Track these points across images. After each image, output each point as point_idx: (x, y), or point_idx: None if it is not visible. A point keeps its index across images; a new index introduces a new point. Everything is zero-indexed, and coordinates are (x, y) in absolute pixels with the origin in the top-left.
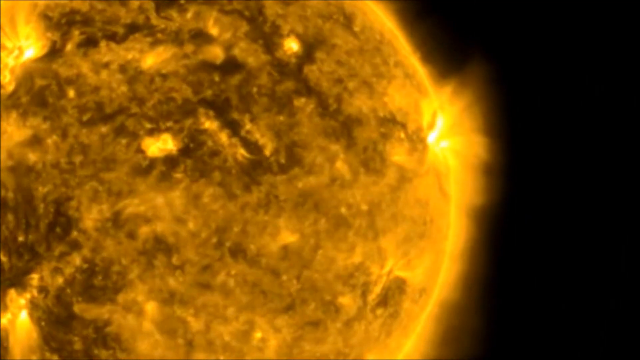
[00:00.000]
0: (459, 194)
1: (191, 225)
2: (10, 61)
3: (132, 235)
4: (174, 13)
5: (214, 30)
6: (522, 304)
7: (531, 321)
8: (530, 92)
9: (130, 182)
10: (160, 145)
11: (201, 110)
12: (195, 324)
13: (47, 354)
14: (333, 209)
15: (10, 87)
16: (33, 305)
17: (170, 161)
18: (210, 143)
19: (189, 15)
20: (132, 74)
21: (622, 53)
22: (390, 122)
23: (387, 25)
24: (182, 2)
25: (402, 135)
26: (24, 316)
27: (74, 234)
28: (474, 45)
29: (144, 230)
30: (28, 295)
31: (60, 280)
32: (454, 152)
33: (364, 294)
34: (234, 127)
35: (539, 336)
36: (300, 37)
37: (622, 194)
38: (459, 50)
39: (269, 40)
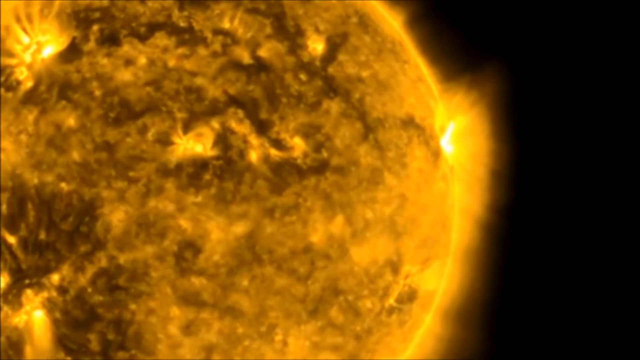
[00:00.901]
0: (466, 198)
1: (219, 226)
2: (27, 57)
3: (159, 236)
4: (197, 11)
5: (238, 30)
6: (527, 308)
7: (537, 325)
8: (539, 94)
9: (158, 182)
10: (189, 145)
11: (230, 110)
12: (218, 326)
13: (62, 355)
14: (359, 211)
15: (28, 83)
16: (50, 305)
17: (199, 161)
18: (239, 143)
19: (213, 13)
20: (158, 73)
21: (633, 55)
22: (410, 126)
23: (394, 26)
24: (206, 0)
25: (422, 138)
26: (39, 316)
27: (99, 233)
28: (480, 47)
29: (171, 231)
30: (45, 295)
31: (82, 280)
32: (461, 155)
33: (382, 299)
34: (262, 128)
35: (545, 340)
36: (323, 38)
37: (629, 198)
38: (466, 52)
39: (293, 40)
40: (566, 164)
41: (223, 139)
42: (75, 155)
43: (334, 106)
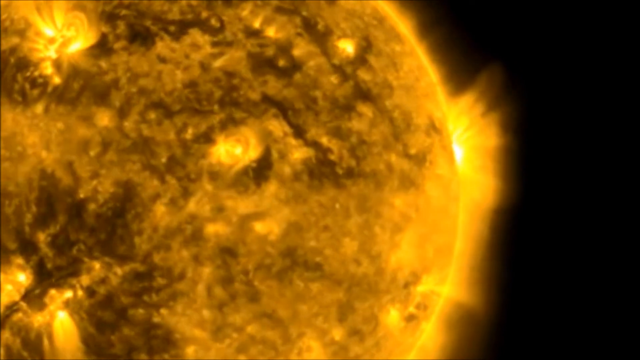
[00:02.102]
0: (473, 199)
1: (257, 229)
2: (51, 53)
3: (196, 239)
4: (226, 10)
5: (270, 30)
6: (533, 308)
7: (543, 323)
8: (545, 97)
9: (196, 184)
10: (228, 146)
11: (267, 111)
12: (249, 330)
13: (85, 356)
14: (390, 217)
15: (56, 80)
16: (75, 306)
17: (237, 164)
18: (278, 146)
19: (242, 12)
20: (193, 72)
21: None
22: (432, 130)
23: (407, 31)
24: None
25: (441, 143)
26: (62, 316)
27: (134, 234)
28: (487, 51)
29: (209, 234)
30: (70, 295)
31: (113, 281)
32: (467, 158)
33: (404, 307)
34: (299, 130)
35: (551, 338)
36: (351, 40)
37: (635, 199)
38: (474, 57)
39: (323, 42)
40: (573, 164)
41: (262, 141)
42: (110, 155)
43: (366, 110)
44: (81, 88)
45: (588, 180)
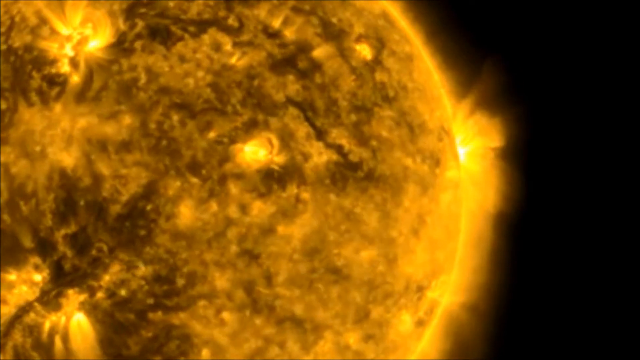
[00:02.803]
0: (475, 202)
1: (280, 232)
2: (68, 51)
3: (218, 240)
4: (246, 10)
5: (288, 30)
6: (534, 312)
7: (545, 327)
8: (549, 99)
9: (220, 186)
10: (252, 148)
11: (289, 112)
12: (268, 334)
13: (100, 358)
14: (408, 221)
15: (75, 78)
16: (93, 307)
17: (261, 166)
18: (301, 148)
19: (262, 13)
20: (215, 72)
21: None
22: (443, 133)
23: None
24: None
25: (452, 146)
26: (78, 317)
27: (157, 235)
28: (491, 54)
29: (232, 236)
30: (87, 296)
31: (133, 283)
32: (470, 162)
33: (415, 311)
34: (321, 132)
35: (554, 342)
36: (366, 42)
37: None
38: (477, 59)
39: (340, 42)
40: (577, 167)
41: (285, 143)
42: (132, 155)
43: (385, 113)
44: (101, 87)
45: (591, 182)
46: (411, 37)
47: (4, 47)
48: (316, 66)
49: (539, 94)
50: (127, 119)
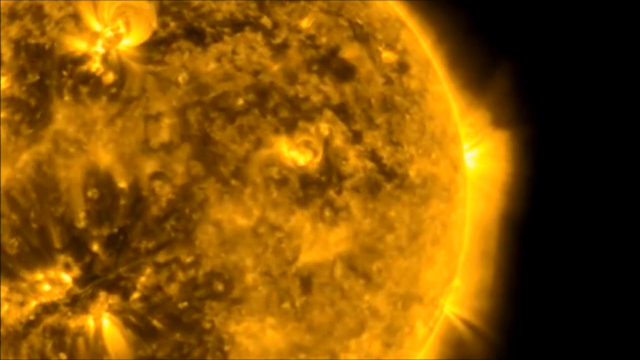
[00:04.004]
0: (484, 206)
1: (319, 239)
2: (98, 49)
3: (258, 246)
4: (278, 10)
5: (319, 31)
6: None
7: (550, 334)
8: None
9: (262, 192)
10: (293, 152)
11: (327, 115)
12: (298, 340)
13: None
14: (433, 230)
15: (110, 76)
16: (124, 309)
17: (302, 171)
18: (340, 152)
19: (294, 14)
20: (252, 73)
21: None
22: (457, 138)
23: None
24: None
25: (463, 152)
26: (109, 319)
27: (196, 239)
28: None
29: (272, 241)
30: (119, 298)
31: (169, 286)
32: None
33: (428, 319)
34: (358, 136)
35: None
36: (392, 44)
37: None
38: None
39: (369, 45)
40: (585, 171)
41: (324, 148)
42: (172, 156)
43: (415, 117)
44: (138, 87)
45: (599, 190)
46: (422, 40)
47: (32, 41)
48: (349, 69)
49: (549, 96)
50: (167, 120)
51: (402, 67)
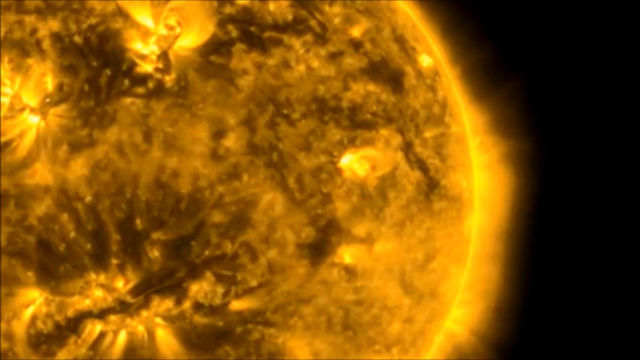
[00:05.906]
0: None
1: (375, 251)
2: (152, 47)
3: (317, 262)
4: (325, 15)
5: (365, 35)
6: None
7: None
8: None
9: (322, 203)
10: (355, 164)
11: (387, 127)
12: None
13: None
14: (457, 243)
15: (168, 79)
16: (176, 317)
17: (364, 181)
18: (395, 163)
19: (338, 19)
20: (313, 80)
21: None
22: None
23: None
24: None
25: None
26: (160, 326)
27: (257, 252)
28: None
29: (332, 256)
30: (172, 305)
31: (225, 297)
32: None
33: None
34: (410, 146)
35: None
36: (426, 51)
37: None
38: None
39: (409, 53)
40: (594, 175)
41: (385, 160)
42: (237, 165)
43: (452, 130)
44: (200, 90)
45: (605, 198)
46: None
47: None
48: (396, 77)
49: (556, 109)
50: (231, 124)
51: (436, 73)
